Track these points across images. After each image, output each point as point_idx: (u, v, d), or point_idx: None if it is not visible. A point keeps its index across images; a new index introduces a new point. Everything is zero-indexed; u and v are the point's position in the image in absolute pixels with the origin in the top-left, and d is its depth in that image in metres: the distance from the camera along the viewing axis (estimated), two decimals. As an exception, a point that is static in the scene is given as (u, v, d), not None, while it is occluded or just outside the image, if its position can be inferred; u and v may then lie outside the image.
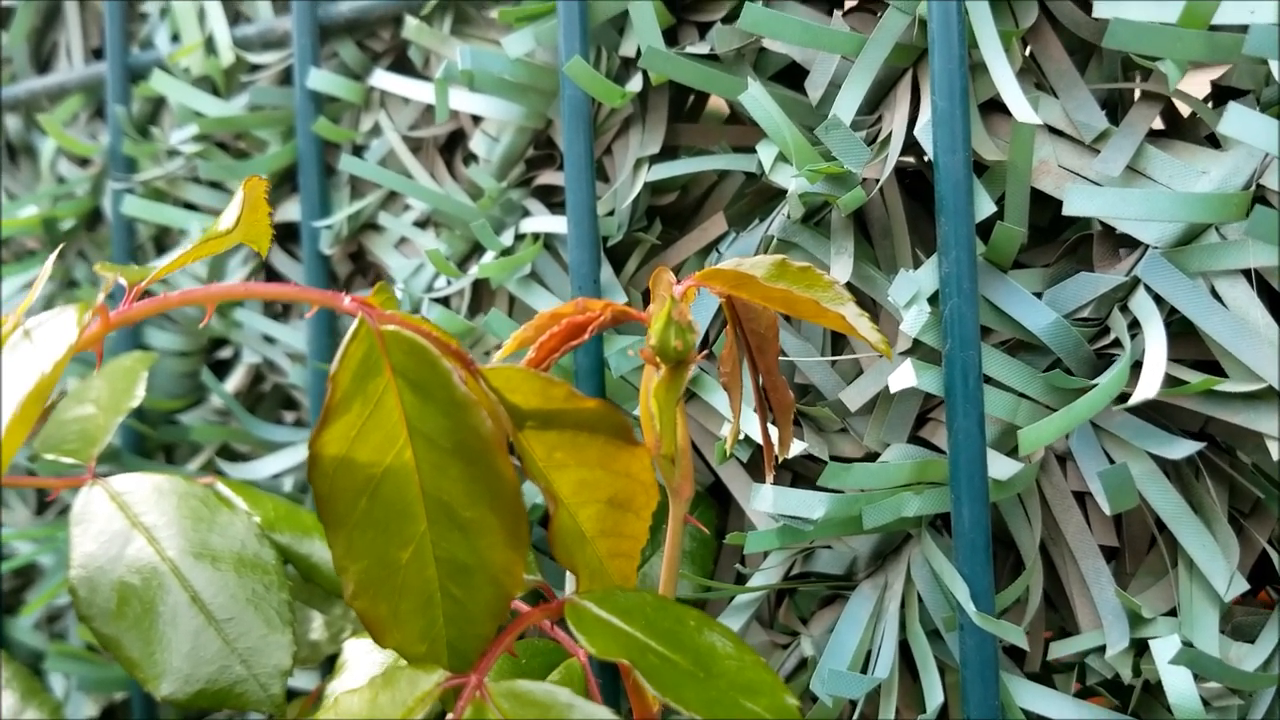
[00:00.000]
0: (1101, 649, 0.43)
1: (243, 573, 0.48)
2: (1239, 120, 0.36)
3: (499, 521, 0.33)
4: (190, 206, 0.66)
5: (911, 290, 0.43)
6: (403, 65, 0.60)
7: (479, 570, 0.34)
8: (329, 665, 0.58)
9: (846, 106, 0.44)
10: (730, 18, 0.49)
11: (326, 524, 0.33)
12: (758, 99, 0.44)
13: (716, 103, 0.54)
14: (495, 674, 0.37)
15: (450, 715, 0.33)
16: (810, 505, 0.43)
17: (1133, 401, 0.39)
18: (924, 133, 0.43)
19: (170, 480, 0.50)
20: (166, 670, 0.46)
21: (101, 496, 0.49)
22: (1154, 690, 0.44)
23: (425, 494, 0.33)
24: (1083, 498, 0.45)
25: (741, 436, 0.47)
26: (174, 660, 0.46)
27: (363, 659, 0.47)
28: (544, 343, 0.36)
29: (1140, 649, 0.43)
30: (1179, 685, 0.40)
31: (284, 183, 0.63)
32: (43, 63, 0.75)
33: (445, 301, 0.56)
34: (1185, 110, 0.45)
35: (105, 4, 0.66)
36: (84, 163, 0.71)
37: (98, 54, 0.72)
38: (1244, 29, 0.39)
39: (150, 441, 0.66)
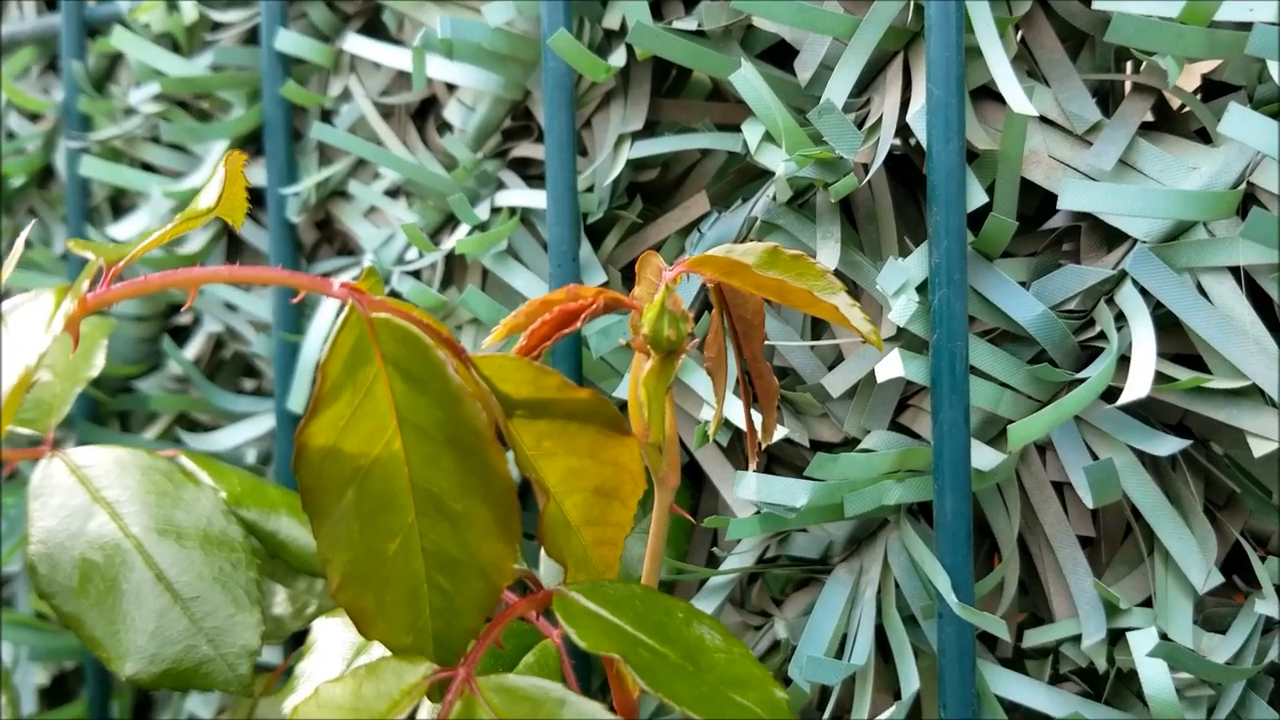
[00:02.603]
0: (1077, 638, 0.43)
1: (209, 550, 0.47)
2: (1240, 121, 0.36)
3: (490, 514, 0.32)
4: (148, 167, 0.63)
5: (901, 279, 0.42)
6: (374, 28, 0.58)
7: (467, 563, 0.33)
8: (294, 640, 0.57)
9: (839, 90, 0.43)
10: (718, -8, 0.48)
11: (311, 515, 0.32)
12: (749, 80, 0.43)
13: (700, 77, 0.53)
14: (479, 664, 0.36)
15: (440, 710, 0.32)
16: (793, 493, 0.43)
17: (1122, 401, 0.39)
18: (917, 120, 0.42)
19: (133, 454, 0.48)
20: (131, 650, 0.45)
21: (61, 469, 0.47)
22: (1126, 678, 0.44)
23: (414, 485, 0.32)
24: (1061, 487, 0.45)
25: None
26: (138, 639, 0.45)
27: (333, 638, 0.46)
28: (535, 330, 0.35)
29: (1114, 637, 0.43)
30: (1155, 677, 0.40)
31: (248, 145, 0.61)
32: (-9, 11, 0.72)
33: (417, 274, 0.55)
34: (1175, 102, 0.45)
35: (60, -48, 0.64)
36: (35, 118, 0.68)
37: (50, 4, 0.69)
38: (1242, 25, 0.39)
39: (105, 408, 0.64)
